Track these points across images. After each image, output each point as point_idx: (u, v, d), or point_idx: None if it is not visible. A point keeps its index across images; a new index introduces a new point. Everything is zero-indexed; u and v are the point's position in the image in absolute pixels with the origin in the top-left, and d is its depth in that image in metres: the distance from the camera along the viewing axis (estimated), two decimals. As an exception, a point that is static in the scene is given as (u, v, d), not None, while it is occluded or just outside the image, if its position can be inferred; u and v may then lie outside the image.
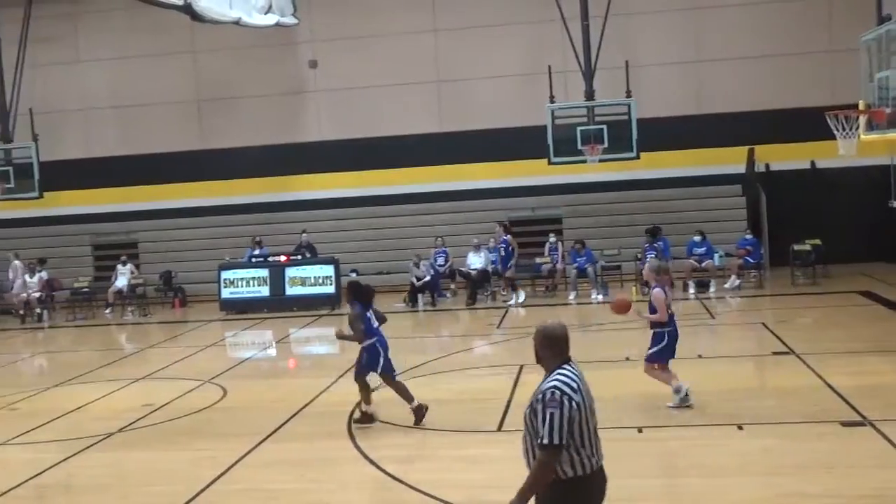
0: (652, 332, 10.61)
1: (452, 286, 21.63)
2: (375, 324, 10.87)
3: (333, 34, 23.99)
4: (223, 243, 23.56)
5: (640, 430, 9.80)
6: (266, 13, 20.64)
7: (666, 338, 10.48)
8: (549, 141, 20.44)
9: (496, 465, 8.83)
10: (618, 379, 11.85)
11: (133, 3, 18.44)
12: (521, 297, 20.13)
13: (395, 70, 23.78)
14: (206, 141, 24.72)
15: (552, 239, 21.38)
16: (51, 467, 9.82)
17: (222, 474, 9.16)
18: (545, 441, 4.90)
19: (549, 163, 20.68)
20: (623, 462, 9.03)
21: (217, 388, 13.25)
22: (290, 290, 21.14)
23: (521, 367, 12.88)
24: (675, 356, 10.67)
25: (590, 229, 22.52)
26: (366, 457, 9.46)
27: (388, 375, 10.76)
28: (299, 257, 21.50)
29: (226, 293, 21.33)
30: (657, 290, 10.51)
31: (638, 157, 20.40)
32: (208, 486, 8.83)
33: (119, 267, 22.61)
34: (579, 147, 20.21)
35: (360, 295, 10.91)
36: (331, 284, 20.95)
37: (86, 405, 12.71)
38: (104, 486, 9.22)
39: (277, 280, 21.15)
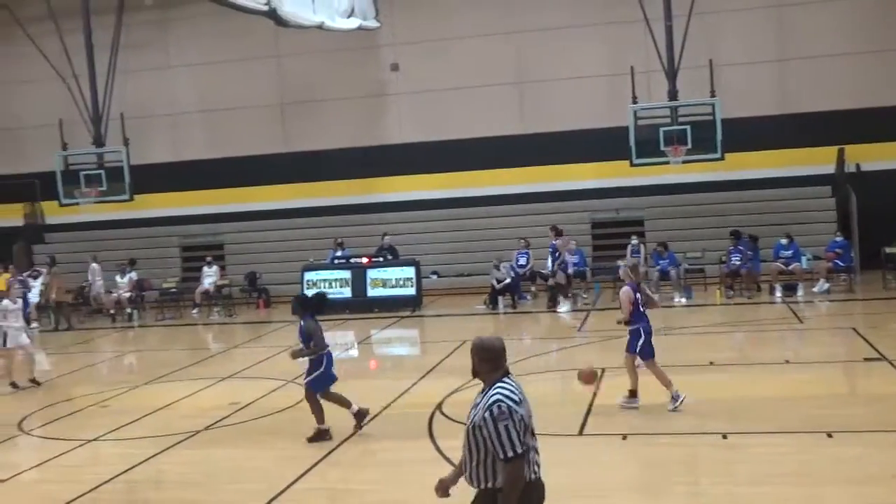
0: (628, 329, 11.03)
1: (533, 289, 21.54)
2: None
3: (415, 37, 24.14)
4: (306, 245, 23.89)
5: (724, 437, 9.62)
6: (348, 17, 20.87)
7: (642, 333, 10.86)
8: (632, 142, 20.25)
9: (576, 470, 8.76)
10: (702, 384, 11.66)
11: (220, 9, 18.77)
12: (568, 306, 19.90)
13: (477, 72, 23.81)
14: (289, 144, 25.10)
15: (634, 241, 21.15)
16: (141, 463, 10.08)
17: (304, 473, 9.28)
18: (509, 454, 5.05)
19: (632, 164, 20.47)
20: (709, 468, 8.93)
21: (300, 388, 13.36)
22: (372, 292, 21.32)
23: (603, 370, 12.75)
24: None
25: (673, 231, 22.22)
26: (446, 458, 9.47)
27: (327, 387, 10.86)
28: (381, 259, 21.66)
29: (309, 294, 21.52)
30: (625, 288, 11.06)
31: (722, 158, 20.07)
32: (291, 484, 8.95)
33: (205, 268, 23.08)
34: (662, 148, 19.97)
35: (309, 307, 11.17)
36: (412, 286, 21.07)
37: (174, 403, 13.01)
38: (191, 483, 9.42)
39: (359, 282, 21.34)
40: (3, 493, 9.41)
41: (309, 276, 21.66)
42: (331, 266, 21.85)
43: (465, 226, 23.87)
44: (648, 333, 10.95)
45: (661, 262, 20.29)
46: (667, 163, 20.17)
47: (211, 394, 13.65)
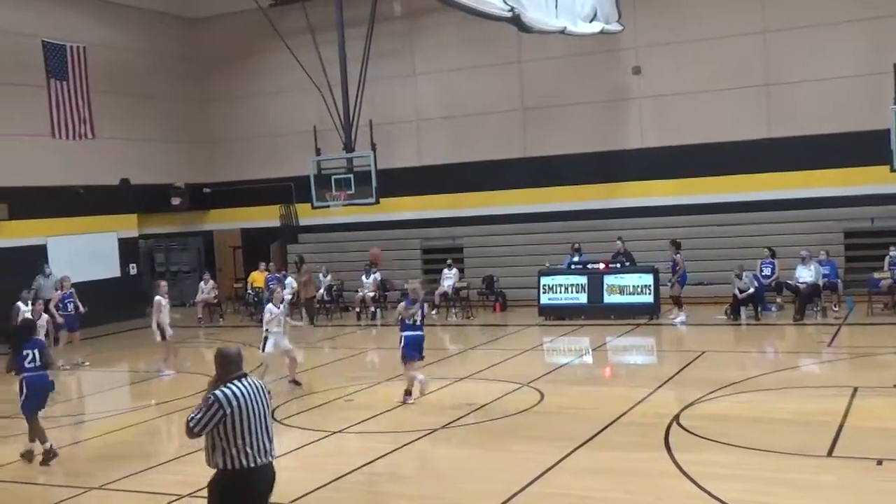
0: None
1: (779, 300, 20.54)
2: (32, 360, 11.11)
3: (658, 39, 23.67)
4: (543, 249, 23.94)
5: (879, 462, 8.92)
6: (591, 21, 20.71)
7: (403, 339, 13.16)
8: (893, 146, 18.90)
9: (824, 493, 8.28)
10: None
11: (464, 17, 19.21)
12: (683, 317, 19.61)
13: (722, 74, 23.01)
14: (529, 149, 25.28)
15: (893, 252, 19.69)
16: (380, 457, 10.46)
17: (538, 477, 9.30)
18: (191, 425, 6.14)
19: (892, 170, 19.11)
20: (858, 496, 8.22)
21: (534, 391, 13.48)
22: (608, 298, 21.07)
23: (855, 389, 11.99)
24: None
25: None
26: (683, 471, 9.21)
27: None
28: (618, 265, 21.39)
29: (544, 299, 21.67)
30: (403, 303, 13.39)
31: None
32: (524, 488, 9.00)
33: (445, 270, 23.62)
34: (928, 152, 18.50)
35: (18, 333, 11.52)
36: (649, 294, 20.65)
37: (413, 400, 13.38)
38: (427, 478, 9.68)
39: (596, 287, 21.16)
40: (256, 477, 10.04)
41: (545, 280, 21.71)
42: (568, 271, 21.80)
43: (706, 233, 23.10)
44: (421, 339, 13.12)
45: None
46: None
47: (448, 393, 13.95)
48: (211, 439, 6.21)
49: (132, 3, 26.36)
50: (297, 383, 14.92)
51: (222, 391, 6.14)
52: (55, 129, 23.31)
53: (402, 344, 13.39)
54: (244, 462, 6.10)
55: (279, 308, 14.87)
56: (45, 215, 23.59)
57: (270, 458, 6.28)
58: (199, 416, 6.12)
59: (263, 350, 14.65)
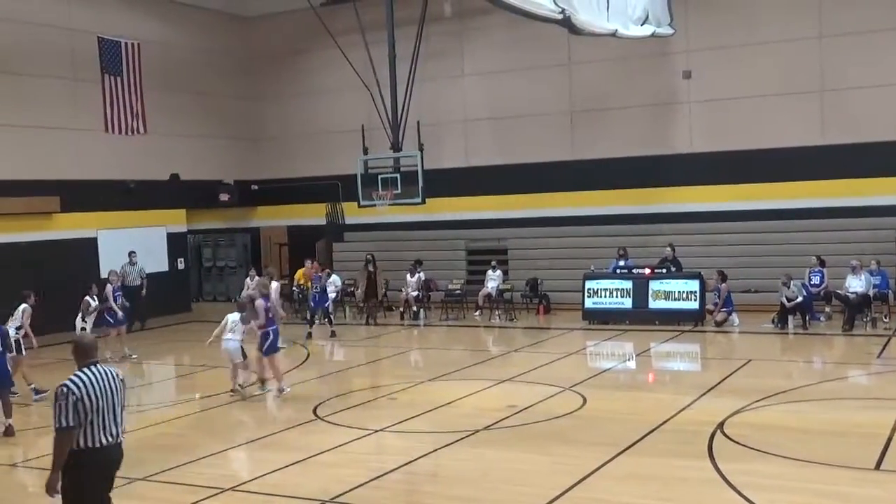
0: (260, 332, 13.99)
1: (828, 309, 20.23)
2: None
3: (709, 43, 23.42)
4: (588, 253, 23.80)
5: None
6: (642, 24, 20.56)
7: (270, 335, 13.93)
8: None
9: (872, 508, 8.13)
10: None
11: (515, 18, 19.17)
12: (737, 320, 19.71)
13: (775, 79, 22.70)
14: (576, 152, 25.14)
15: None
16: (421, 456, 10.48)
17: (579, 482, 9.24)
18: (56, 425, 6.47)
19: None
20: None
21: (577, 395, 13.41)
22: (653, 304, 20.90)
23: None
24: None
25: None
26: (726, 480, 9.11)
27: None
28: (664, 271, 21.21)
29: (589, 303, 21.56)
30: (259, 300, 13.98)
31: None
32: (565, 492, 8.95)
33: (489, 272, 23.59)
34: None
35: None
36: (695, 300, 20.45)
37: (455, 401, 13.42)
38: (467, 480, 9.66)
39: (641, 292, 21.01)
40: (299, 472, 10.12)
41: (590, 284, 21.59)
42: (613, 275, 21.67)
43: (755, 240, 22.82)
44: (277, 335, 14.13)
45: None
46: None
47: (490, 395, 13.95)
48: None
49: (188, 1, 26.68)
50: (238, 391, 14.42)
51: (70, 379, 6.62)
52: (108, 124, 23.72)
53: (273, 339, 14.12)
54: (89, 442, 6.57)
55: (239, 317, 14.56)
56: (96, 208, 23.95)
57: (118, 440, 6.78)
58: (55, 412, 6.52)
59: (245, 357, 14.52)
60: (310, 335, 20.84)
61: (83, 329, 17.71)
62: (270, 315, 14.06)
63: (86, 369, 6.69)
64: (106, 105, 23.67)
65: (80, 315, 17.69)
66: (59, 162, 22.98)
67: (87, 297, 17.89)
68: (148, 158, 25.29)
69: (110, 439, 6.69)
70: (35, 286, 16.85)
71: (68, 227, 23.08)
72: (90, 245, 23.62)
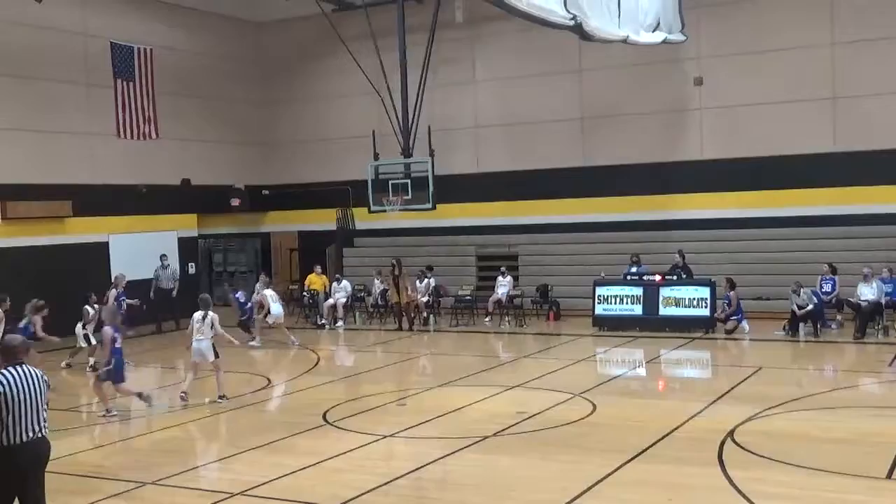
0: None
1: (839, 317, 20.15)
2: None
3: (721, 50, 23.40)
4: (598, 259, 23.77)
5: None
6: (654, 31, 20.54)
7: (112, 363, 13.37)
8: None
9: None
10: None
11: (526, 25, 19.18)
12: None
13: (786, 86, 22.64)
14: (587, 158, 25.12)
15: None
16: (430, 462, 10.47)
17: (588, 489, 9.22)
18: None
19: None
20: None
21: (587, 402, 13.38)
22: (664, 311, 20.84)
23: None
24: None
25: None
26: (736, 488, 9.07)
27: None
28: (674, 278, 21.16)
29: (599, 309, 21.51)
30: (106, 328, 13.62)
31: None
32: (574, 499, 8.93)
33: (499, 278, 23.58)
34: None
35: None
36: (706, 307, 20.39)
37: (464, 407, 13.40)
38: (476, 486, 9.65)
39: (651, 299, 20.96)
40: (309, 477, 10.12)
41: (600, 291, 21.55)
42: (623, 282, 21.63)
43: (765, 247, 22.77)
44: (120, 365, 13.63)
45: None
46: None
47: (499, 401, 13.92)
48: None
49: (200, 7, 26.77)
50: (183, 397, 14.24)
51: None
52: (120, 129, 23.80)
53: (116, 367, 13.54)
54: (11, 439, 6.92)
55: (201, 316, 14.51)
56: (108, 213, 24.03)
57: (40, 435, 7.08)
58: None
59: (217, 356, 14.49)
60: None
61: (85, 336, 17.88)
62: (118, 345, 13.69)
63: (11, 369, 7.06)
64: (118, 110, 23.76)
65: (81, 322, 17.81)
66: (71, 166, 23.07)
67: (86, 306, 18.01)
68: (160, 163, 25.38)
69: (33, 435, 7.04)
70: (47, 290, 16.92)
71: (80, 231, 23.16)
72: (102, 249, 23.70)
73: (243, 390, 15.19)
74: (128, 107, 23.98)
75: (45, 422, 7.14)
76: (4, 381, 6.95)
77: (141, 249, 24.04)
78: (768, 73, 22.87)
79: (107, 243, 23.99)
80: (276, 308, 20.92)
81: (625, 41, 19.40)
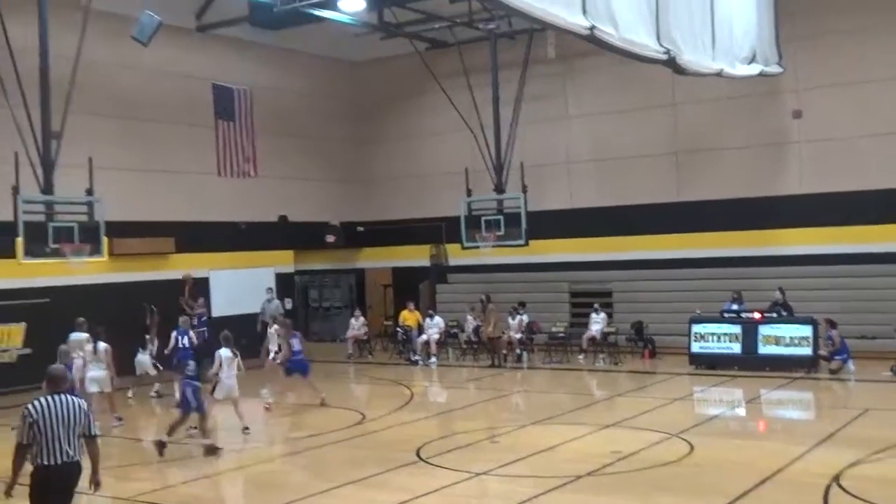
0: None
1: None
2: None
3: (820, 81, 22.86)
4: (694, 296, 23.33)
5: None
6: (749, 63, 20.22)
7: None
8: None
9: None
10: None
11: (619, 60, 19.07)
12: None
13: (888, 117, 21.96)
14: (682, 193, 24.78)
15: None
16: (523, 501, 10.36)
17: (687, 533, 9.01)
18: (14, 441, 7.61)
19: None
20: None
21: (684, 442, 13.10)
22: (763, 349, 20.32)
23: None
24: None
25: None
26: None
27: None
28: (774, 315, 20.61)
29: (696, 347, 21.10)
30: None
31: None
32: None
33: (593, 315, 23.34)
34: None
35: None
36: (808, 346, 19.80)
37: (557, 445, 13.26)
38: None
39: (750, 337, 20.45)
40: (400, 515, 10.13)
41: (696, 328, 21.15)
42: (720, 319, 21.16)
43: (870, 284, 22.00)
44: None
45: None
46: None
47: (593, 440, 13.75)
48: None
49: (298, 48, 27.41)
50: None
51: (32, 403, 7.61)
52: (221, 168, 24.50)
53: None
54: (44, 460, 7.50)
55: (230, 353, 14.69)
56: (209, 249, 24.65)
57: (71, 459, 7.58)
58: (18, 430, 7.61)
59: (213, 393, 14.60)
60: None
61: (154, 364, 18.92)
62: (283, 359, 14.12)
63: (49, 396, 7.63)
64: (219, 149, 24.48)
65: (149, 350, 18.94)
66: (174, 204, 23.77)
67: (139, 355, 18.91)
68: (258, 201, 25.96)
69: (63, 459, 7.55)
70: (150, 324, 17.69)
71: (182, 266, 23.75)
72: (202, 285, 24.27)
73: (338, 425, 15.31)
74: (228, 146, 24.69)
75: (74, 447, 7.61)
76: (34, 411, 7.53)
77: (240, 285, 24.53)
78: (869, 104, 22.24)
79: (207, 279, 24.58)
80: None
81: (719, 74, 19.14)
